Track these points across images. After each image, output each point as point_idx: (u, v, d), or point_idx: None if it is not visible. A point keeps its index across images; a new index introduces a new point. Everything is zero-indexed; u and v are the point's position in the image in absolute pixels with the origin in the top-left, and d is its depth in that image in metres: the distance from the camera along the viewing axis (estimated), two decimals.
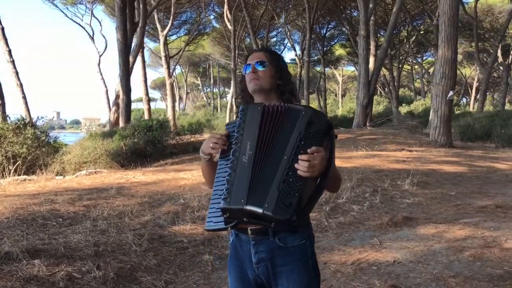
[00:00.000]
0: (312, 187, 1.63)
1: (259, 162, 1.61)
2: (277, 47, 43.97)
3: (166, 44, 30.32)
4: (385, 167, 8.70)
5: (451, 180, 7.95)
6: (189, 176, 8.12)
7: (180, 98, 64.10)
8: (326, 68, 42.67)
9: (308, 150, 1.57)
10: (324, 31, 37.06)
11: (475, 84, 44.06)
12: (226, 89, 65.27)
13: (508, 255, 3.89)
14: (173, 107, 30.49)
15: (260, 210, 1.54)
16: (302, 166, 1.55)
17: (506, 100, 33.06)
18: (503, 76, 32.72)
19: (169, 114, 28.40)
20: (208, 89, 66.51)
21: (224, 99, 63.49)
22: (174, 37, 38.65)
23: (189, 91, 67.90)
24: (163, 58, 29.52)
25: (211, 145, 1.73)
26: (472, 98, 44.42)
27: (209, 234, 4.68)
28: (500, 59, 31.84)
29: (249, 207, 1.55)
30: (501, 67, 34.87)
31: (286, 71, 1.92)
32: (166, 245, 4.35)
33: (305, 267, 1.74)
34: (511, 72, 32.92)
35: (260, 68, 1.86)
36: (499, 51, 29.27)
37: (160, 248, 4.25)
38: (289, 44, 38.58)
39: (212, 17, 37.77)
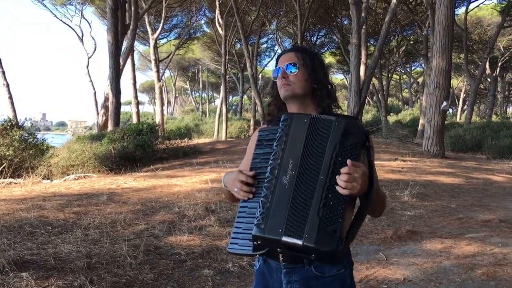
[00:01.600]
0: (352, 210, 1.42)
1: (300, 184, 1.38)
2: (267, 54, 44.01)
3: (156, 47, 29.98)
4: (381, 177, 8.54)
5: (449, 192, 7.84)
6: (182, 182, 7.88)
7: (169, 102, 63.68)
8: None
9: (347, 162, 1.34)
10: (315, 39, 37.11)
11: (462, 95, 44.46)
12: (215, 94, 65.04)
13: None
14: (162, 111, 30.13)
15: (299, 242, 1.32)
16: (341, 181, 1.32)
17: (492, 112, 33.42)
18: (491, 88, 33.06)
19: (158, 118, 28.07)
20: (197, 94, 66.18)
21: (213, 104, 63.23)
22: (164, 40, 38.39)
23: (177, 95, 67.52)
24: (152, 62, 29.16)
25: (236, 190, 1.50)
26: (459, 109, 44.84)
27: (207, 246, 4.46)
28: (488, 71, 32.17)
29: (286, 239, 1.33)
30: (488, 79, 35.25)
31: (323, 71, 1.68)
32: (162, 258, 4.10)
33: None
34: (498, 84, 33.33)
35: (290, 72, 1.64)
36: (487, 63, 29.54)
37: (157, 261, 4.01)
38: (279, 51, 38.50)
39: (203, 21, 37.65)
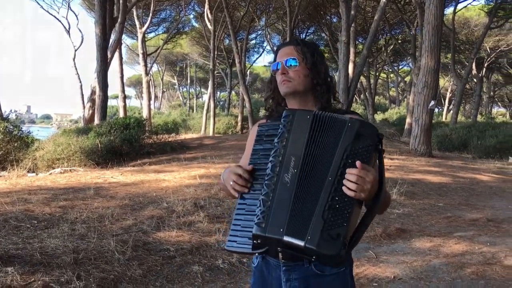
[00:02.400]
0: (358, 214, 1.37)
1: (303, 183, 1.33)
2: (256, 50, 43.89)
3: (144, 41, 29.69)
4: None
5: (437, 190, 7.89)
6: (170, 178, 7.81)
7: (156, 96, 63.19)
8: None
9: (357, 163, 1.29)
10: (304, 36, 37.01)
11: (448, 95, 44.85)
12: (202, 90, 64.72)
13: (511, 273, 3.76)
14: (149, 105, 29.86)
15: (301, 243, 1.27)
16: (349, 182, 1.28)
17: (478, 112, 33.84)
18: (476, 88, 33.44)
19: (145, 113, 27.82)
20: (184, 89, 65.79)
21: (200, 99, 62.92)
22: (152, 34, 38.01)
23: (165, 90, 67.03)
24: (140, 56, 28.84)
25: (232, 183, 1.44)
26: (445, 108, 45.25)
27: (196, 242, 4.41)
28: (474, 71, 32.49)
29: (287, 239, 1.29)
30: (474, 79, 35.62)
31: (322, 65, 1.62)
32: (151, 254, 4.05)
33: None
34: (484, 85, 33.72)
35: (290, 67, 1.58)
36: (473, 63, 29.83)
37: (145, 257, 3.96)
38: (268, 47, 38.51)
39: (191, 16, 37.36)
